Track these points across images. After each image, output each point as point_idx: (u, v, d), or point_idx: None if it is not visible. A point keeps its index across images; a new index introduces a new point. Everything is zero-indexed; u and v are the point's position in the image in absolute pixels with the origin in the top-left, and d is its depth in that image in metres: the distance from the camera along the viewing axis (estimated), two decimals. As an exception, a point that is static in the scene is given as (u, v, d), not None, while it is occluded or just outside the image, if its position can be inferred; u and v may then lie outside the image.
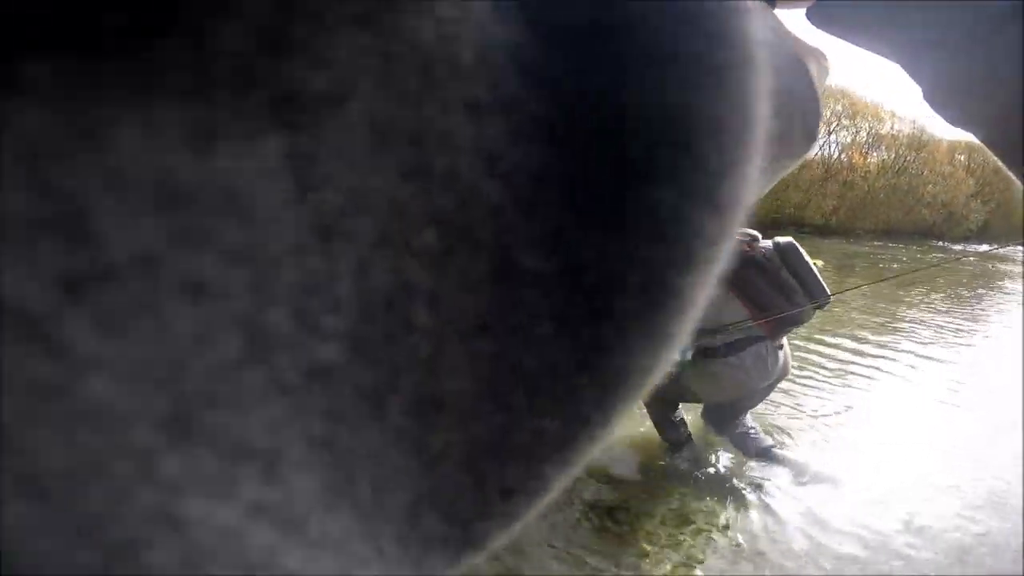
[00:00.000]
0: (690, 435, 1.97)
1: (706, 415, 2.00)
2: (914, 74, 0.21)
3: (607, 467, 1.87)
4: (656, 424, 1.97)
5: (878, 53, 0.21)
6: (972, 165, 12.77)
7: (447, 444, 0.07)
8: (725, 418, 1.91)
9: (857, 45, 0.21)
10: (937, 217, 11.60)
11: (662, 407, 1.91)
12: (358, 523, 0.07)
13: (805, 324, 1.74)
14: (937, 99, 0.21)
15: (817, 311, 1.67)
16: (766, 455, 1.89)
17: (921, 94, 0.22)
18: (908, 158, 11.98)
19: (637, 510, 1.66)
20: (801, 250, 1.56)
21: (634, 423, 2.23)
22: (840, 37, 0.21)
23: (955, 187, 11.81)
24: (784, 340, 1.74)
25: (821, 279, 1.57)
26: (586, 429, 0.08)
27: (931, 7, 0.19)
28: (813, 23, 0.21)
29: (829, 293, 1.60)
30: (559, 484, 0.09)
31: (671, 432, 1.96)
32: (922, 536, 1.58)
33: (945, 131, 12.72)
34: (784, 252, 1.55)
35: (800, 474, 1.86)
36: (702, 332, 1.55)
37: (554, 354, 0.08)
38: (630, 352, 0.08)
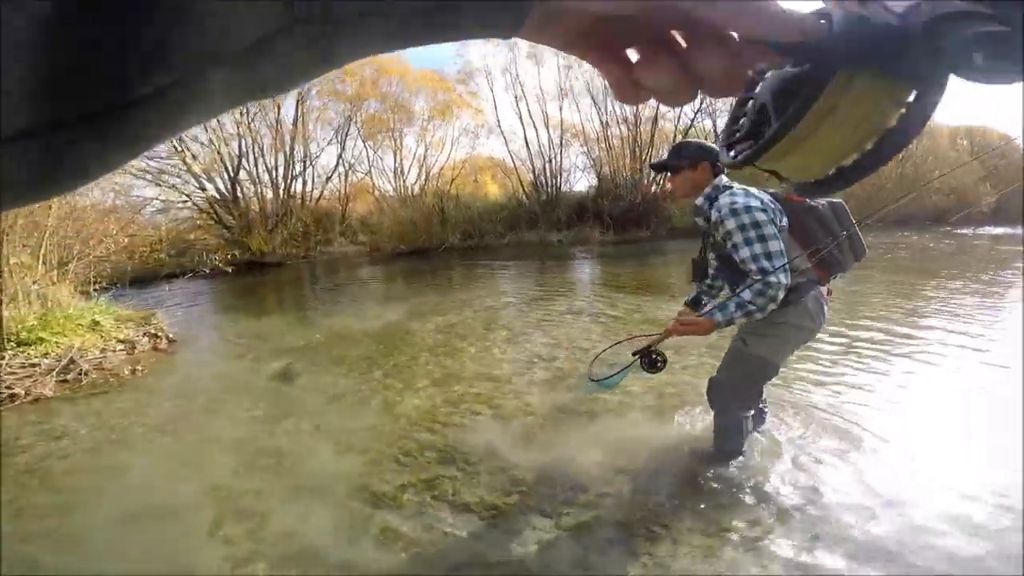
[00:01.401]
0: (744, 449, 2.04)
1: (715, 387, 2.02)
2: None
3: (644, 486, 1.87)
4: (720, 429, 2.03)
5: None
6: (975, 150, 12.67)
7: None
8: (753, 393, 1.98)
9: None
10: (947, 203, 11.48)
11: (739, 405, 1.97)
12: None
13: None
14: None
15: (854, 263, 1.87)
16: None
17: None
18: (911, 147, 11.76)
19: (675, 526, 1.67)
20: (847, 209, 1.82)
21: (661, 437, 2.21)
22: None
23: (962, 172, 11.69)
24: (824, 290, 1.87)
25: (861, 236, 1.81)
26: None
27: None
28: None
29: (866, 248, 1.83)
30: None
31: (733, 442, 2.02)
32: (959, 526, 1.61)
33: (944, 117, 12.64)
34: (836, 208, 1.81)
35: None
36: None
37: None
38: None
